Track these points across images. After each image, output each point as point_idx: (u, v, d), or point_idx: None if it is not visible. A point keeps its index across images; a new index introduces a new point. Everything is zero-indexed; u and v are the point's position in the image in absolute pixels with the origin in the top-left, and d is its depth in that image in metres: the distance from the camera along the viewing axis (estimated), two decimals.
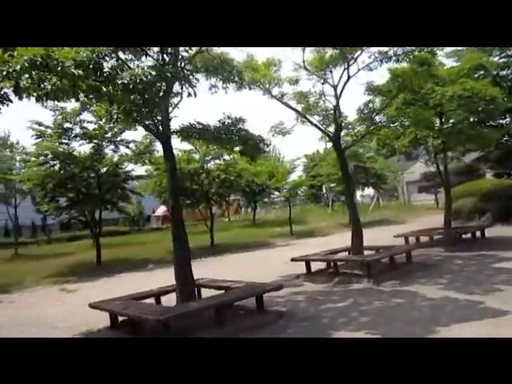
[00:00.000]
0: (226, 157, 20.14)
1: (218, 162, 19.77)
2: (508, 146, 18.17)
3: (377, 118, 10.43)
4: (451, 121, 12.20)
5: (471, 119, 12.12)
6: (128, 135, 16.11)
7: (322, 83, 9.74)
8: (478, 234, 13.36)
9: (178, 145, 18.99)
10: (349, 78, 9.51)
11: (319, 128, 9.80)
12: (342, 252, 10.27)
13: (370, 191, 48.82)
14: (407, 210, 32.92)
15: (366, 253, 9.80)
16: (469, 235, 13.16)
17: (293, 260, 9.84)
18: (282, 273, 10.23)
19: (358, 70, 9.43)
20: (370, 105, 10.29)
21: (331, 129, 10.14)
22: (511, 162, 19.10)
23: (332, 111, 9.97)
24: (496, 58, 18.93)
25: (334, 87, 9.83)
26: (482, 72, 18.48)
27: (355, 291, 7.94)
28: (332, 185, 28.38)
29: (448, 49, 16.41)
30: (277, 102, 9.60)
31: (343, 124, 10.11)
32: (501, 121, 18.63)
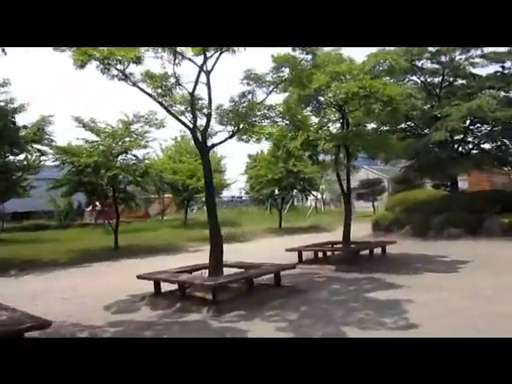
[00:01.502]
0: (138, 152, 18.27)
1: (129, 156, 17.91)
2: (433, 156, 16.98)
3: (259, 113, 8.75)
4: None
5: (373, 124, 10.62)
6: None
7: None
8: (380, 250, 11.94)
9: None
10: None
11: (178, 119, 7.98)
12: (202, 269, 8.51)
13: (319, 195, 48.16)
14: (340, 216, 31.73)
15: (230, 272, 8.15)
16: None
17: (138, 277, 8.04)
18: (136, 291, 8.42)
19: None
20: (249, 96, 8.59)
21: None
22: (437, 172, 17.92)
23: (205, 101, 8.24)
24: (428, 64, 17.68)
25: (207, 73, 8.06)
26: (409, 76, 17.46)
27: (183, 324, 6.23)
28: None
29: None
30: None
31: (214, 117, 8.40)
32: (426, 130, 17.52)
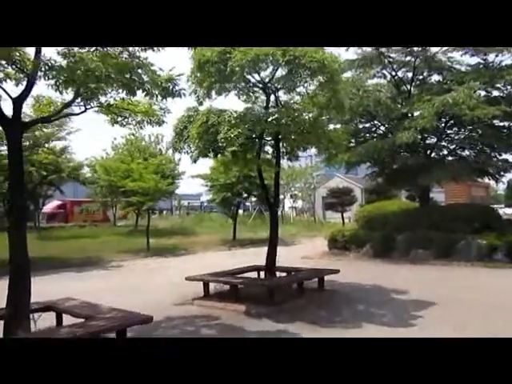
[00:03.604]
0: (58, 142, 15.04)
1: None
2: (400, 161, 13.91)
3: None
4: None
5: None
6: None
7: None
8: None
9: None
10: None
11: None
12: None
13: (299, 203, 45.05)
14: (311, 228, 28.68)
15: None
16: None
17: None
18: None
19: None
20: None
21: None
22: (405, 181, 14.87)
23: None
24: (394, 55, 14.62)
25: None
26: (377, 69, 14.44)
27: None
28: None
29: None
30: None
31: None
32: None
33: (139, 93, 5.35)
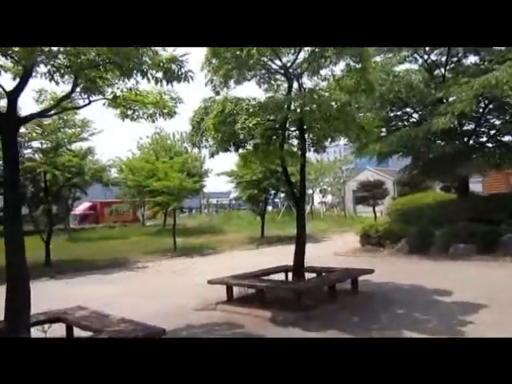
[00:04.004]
0: (81, 144, 14.79)
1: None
2: (436, 150, 12.87)
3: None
4: None
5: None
6: None
7: None
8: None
9: None
10: None
11: None
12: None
13: (328, 198, 43.98)
14: (342, 223, 27.73)
15: None
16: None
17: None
18: None
19: None
20: None
21: None
22: (442, 171, 13.81)
23: None
24: None
25: None
26: (408, 53, 13.46)
27: None
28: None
29: None
30: None
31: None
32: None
33: (146, 82, 4.80)
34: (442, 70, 13.72)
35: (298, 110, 5.96)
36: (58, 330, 5.31)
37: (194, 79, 4.40)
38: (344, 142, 11.94)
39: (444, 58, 13.82)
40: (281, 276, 8.27)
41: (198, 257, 15.39)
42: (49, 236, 14.07)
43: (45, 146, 13.89)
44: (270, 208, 35.84)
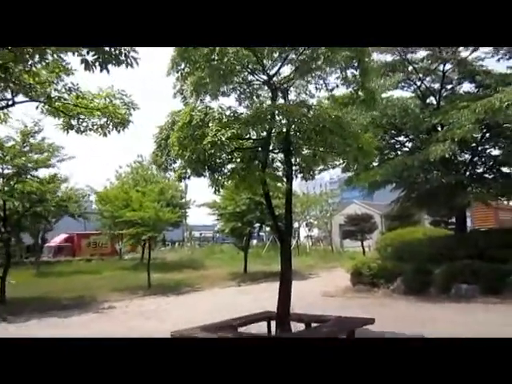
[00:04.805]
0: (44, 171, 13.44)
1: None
2: (434, 180, 11.79)
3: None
4: None
5: None
6: None
7: None
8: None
9: None
10: None
11: None
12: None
13: (315, 232, 42.60)
14: (329, 258, 26.35)
15: None
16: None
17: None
18: None
19: None
20: None
21: None
22: (439, 203, 12.71)
23: None
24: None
25: None
26: (401, 78, 12.59)
27: None
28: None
29: None
30: None
31: None
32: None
33: (88, 82, 3.58)
34: (436, 98, 12.87)
35: (284, 121, 4.77)
36: None
37: (138, 64, 3.17)
38: (329, 177, 10.86)
39: (437, 85, 13.02)
40: (263, 326, 6.84)
41: (173, 296, 13.84)
42: (5, 270, 12.47)
43: (6, 171, 12.53)
44: (254, 242, 34.45)
